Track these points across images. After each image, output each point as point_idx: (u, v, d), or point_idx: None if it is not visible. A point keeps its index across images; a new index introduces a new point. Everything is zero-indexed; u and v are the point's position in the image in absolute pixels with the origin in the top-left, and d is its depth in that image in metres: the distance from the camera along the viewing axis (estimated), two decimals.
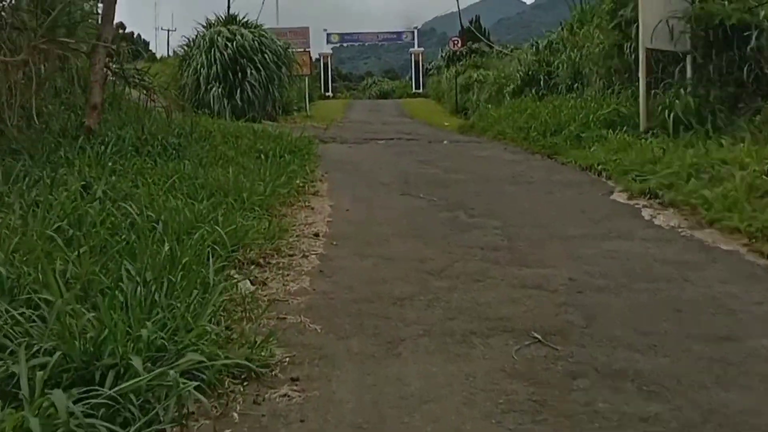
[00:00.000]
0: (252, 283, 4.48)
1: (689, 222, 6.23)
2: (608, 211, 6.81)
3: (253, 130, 11.05)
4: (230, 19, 22.06)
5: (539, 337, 3.55)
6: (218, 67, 19.09)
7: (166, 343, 2.84)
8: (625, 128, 11.21)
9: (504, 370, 3.18)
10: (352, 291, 4.38)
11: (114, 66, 8.97)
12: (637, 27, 11.54)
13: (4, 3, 7.72)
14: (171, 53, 37.33)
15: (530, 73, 20.04)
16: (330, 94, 46.76)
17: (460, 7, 54.32)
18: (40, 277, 3.25)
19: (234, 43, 19.24)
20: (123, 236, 4.18)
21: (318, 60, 48.81)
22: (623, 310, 4.01)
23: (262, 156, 8.76)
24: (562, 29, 19.93)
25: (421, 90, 46.01)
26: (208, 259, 4.11)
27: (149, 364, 2.67)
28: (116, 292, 3.17)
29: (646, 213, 6.68)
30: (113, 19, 8.57)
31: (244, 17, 22.62)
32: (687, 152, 8.35)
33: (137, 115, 9.18)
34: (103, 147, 7.28)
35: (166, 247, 3.76)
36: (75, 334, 2.70)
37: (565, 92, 17.49)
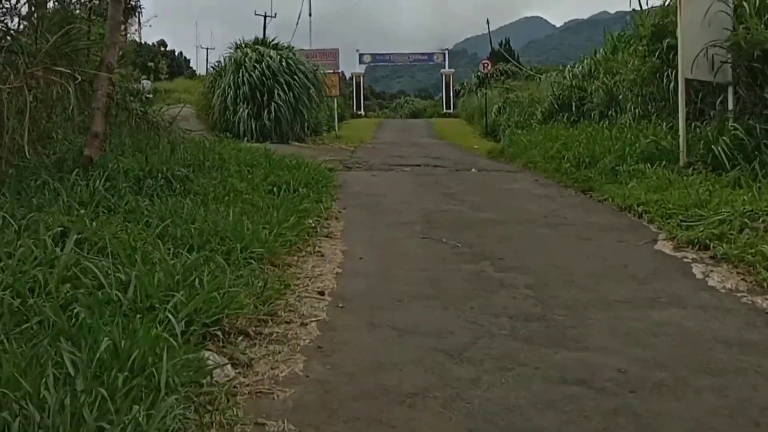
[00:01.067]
0: (235, 365, 3.65)
1: (748, 283, 5.23)
2: (654, 266, 5.83)
3: (271, 158, 10.29)
4: (260, 41, 21.48)
5: None
6: (245, 88, 18.49)
7: None
8: (663, 162, 10.22)
9: None
10: (353, 381, 3.50)
11: (117, 95, 8.25)
12: (676, 55, 10.59)
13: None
14: (209, 71, 37.01)
15: (562, 97, 19.07)
16: (362, 112, 46.25)
17: (491, 29, 53.47)
18: None
19: (262, 65, 18.63)
20: (74, 309, 3.37)
21: (351, 79, 48.40)
22: (688, 424, 3.08)
23: (275, 189, 7.95)
24: (596, 54, 18.95)
25: (451, 110, 45.20)
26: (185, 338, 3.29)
27: None
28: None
29: (697, 270, 5.69)
30: (117, 43, 7.86)
31: (273, 39, 22.08)
32: (737, 195, 7.35)
33: (147, 144, 8.46)
34: (99, 181, 6.54)
35: (105, 343, 2.90)
36: None
37: (599, 119, 16.52)
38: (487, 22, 33.94)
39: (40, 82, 7.04)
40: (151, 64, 41.94)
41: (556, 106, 18.92)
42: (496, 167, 13.91)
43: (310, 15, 33.78)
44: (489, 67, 30.09)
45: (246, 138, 18.51)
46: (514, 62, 38.40)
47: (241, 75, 18.86)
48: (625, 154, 10.74)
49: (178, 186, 7.24)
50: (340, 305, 4.67)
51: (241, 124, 18.46)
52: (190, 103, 23.36)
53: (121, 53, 21.11)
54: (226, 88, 19.16)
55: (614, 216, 8.02)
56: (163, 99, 34.88)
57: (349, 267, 5.68)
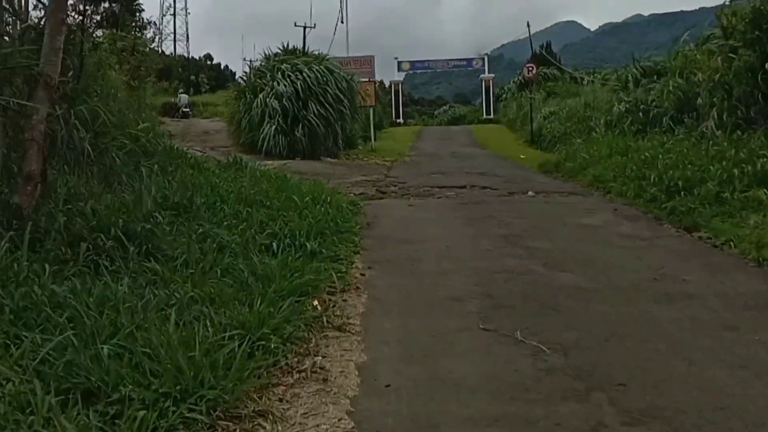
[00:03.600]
0: None
1: None
2: None
3: (286, 188, 7.83)
4: (290, 50, 19.14)
5: None
6: (274, 102, 16.18)
7: None
8: None
9: None
10: None
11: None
12: None
13: None
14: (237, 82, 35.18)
15: (624, 102, 16.24)
16: (401, 120, 43.83)
17: (525, 37, 50.70)
18: None
19: (292, 76, 16.30)
20: None
21: (389, 87, 45.96)
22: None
23: (275, 245, 5.48)
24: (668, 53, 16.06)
25: (492, 116, 42.36)
26: None
27: None
28: None
29: None
30: (60, 53, 5.51)
31: (305, 48, 19.75)
32: None
33: (111, 182, 6.13)
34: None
35: None
36: None
37: (671, 127, 13.72)
38: (528, 25, 31.25)
39: None
40: (193, 77, 40.30)
41: (617, 112, 16.10)
42: (556, 187, 11.24)
43: (342, 22, 31.32)
44: (534, 71, 27.14)
45: (275, 154, 16.23)
46: (558, 65, 35.38)
47: (270, 87, 16.55)
48: (732, 177, 8.04)
49: (137, 249, 4.84)
50: None
51: (269, 140, 16.12)
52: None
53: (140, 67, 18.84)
54: (253, 101, 16.88)
55: (755, 277, 5.35)
56: (200, 112, 33.08)
57: (365, 410, 3.20)
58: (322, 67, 16.84)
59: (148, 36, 21.46)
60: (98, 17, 8.92)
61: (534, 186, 11.48)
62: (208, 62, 58.40)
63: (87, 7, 8.11)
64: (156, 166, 8.62)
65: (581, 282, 5.22)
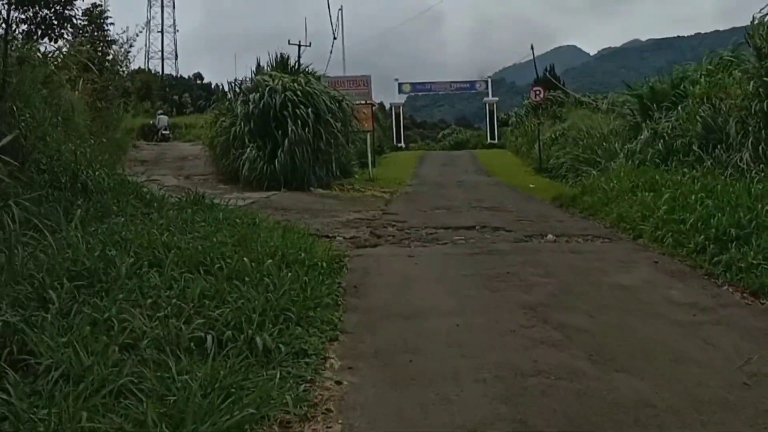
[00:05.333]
0: None
1: None
2: None
3: (245, 245, 6.27)
4: (282, 66, 17.73)
5: None
6: (252, 124, 14.72)
7: None
8: None
9: None
10: None
11: None
12: None
13: None
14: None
15: (647, 129, 14.78)
16: (402, 144, 42.45)
17: (526, 60, 49.68)
18: None
19: (274, 95, 14.85)
20: None
21: (389, 110, 44.70)
22: None
23: (210, 339, 3.95)
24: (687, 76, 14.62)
25: (496, 141, 41.04)
26: None
27: None
28: None
29: None
30: None
31: (299, 67, 18.40)
32: None
33: None
34: None
35: None
36: None
37: (700, 157, 12.27)
38: (532, 48, 29.97)
39: None
40: (175, 97, 38.94)
41: (641, 140, 14.63)
42: (578, 229, 9.74)
43: (335, 38, 30.04)
44: (541, 95, 25.74)
45: (257, 185, 14.75)
46: (564, 89, 34.08)
47: (248, 107, 15.09)
48: None
49: None
50: None
51: (247, 167, 14.65)
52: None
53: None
54: (230, 123, 15.44)
55: None
56: (182, 134, 31.59)
57: None
58: (307, 87, 15.35)
59: (118, 52, 19.89)
60: (26, 26, 7.45)
61: (552, 226, 9.99)
62: (198, 81, 57.13)
63: (13, 14, 6.71)
64: (93, 209, 7.20)
65: (646, 392, 3.71)
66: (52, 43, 11.16)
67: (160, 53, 63.09)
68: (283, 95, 15.10)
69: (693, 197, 8.55)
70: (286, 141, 14.78)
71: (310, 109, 15.04)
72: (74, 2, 11.41)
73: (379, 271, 6.81)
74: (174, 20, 67.86)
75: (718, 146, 11.82)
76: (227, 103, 17.33)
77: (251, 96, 15.51)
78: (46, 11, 7.96)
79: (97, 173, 8.42)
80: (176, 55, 65.96)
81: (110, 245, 5.42)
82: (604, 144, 17.31)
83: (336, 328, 4.75)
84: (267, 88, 15.31)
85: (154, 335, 3.79)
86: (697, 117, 12.52)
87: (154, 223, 6.80)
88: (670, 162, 12.89)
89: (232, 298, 4.55)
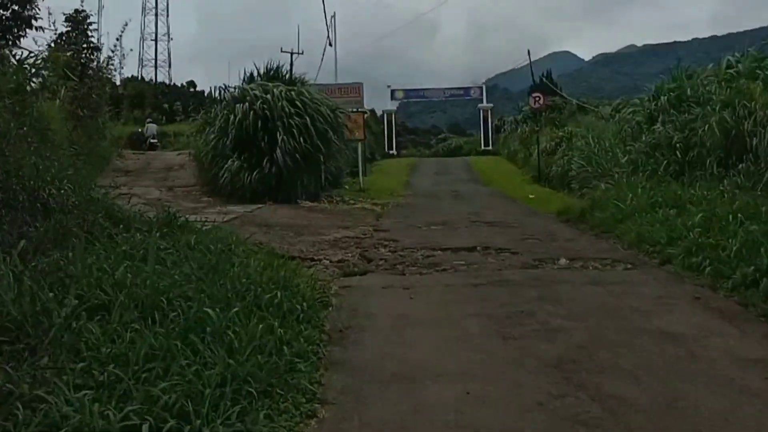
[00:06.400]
0: None
1: None
2: None
3: (212, 281, 5.12)
4: (273, 74, 16.60)
5: None
6: (238, 134, 13.62)
7: None
8: None
9: None
10: None
11: None
12: None
13: None
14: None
15: (652, 138, 13.71)
16: (395, 152, 41.39)
17: (520, 66, 48.83)
18: None
19: (259, 103, 13.73)
20: None
21: (382, 117, 43.68)
22: None
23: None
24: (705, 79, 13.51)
25: (490, 147, 40.00)
26: None
27: None
28: None
29: None
30: None
31: (292, 74, 17.28)
32: None
33: None
34: None
35: None
36: None
37: (716, 170, 11.21)
38: (528, 53, 29.06)
39: None
40: (166, 105, 37.82)
41: (647, 152, 13.55)
42: (593, 251, 8.62)
43: (330, 45, 28.98)
44: (541, 101, 24.61)
45: (242, 196, 13.64)
46: (561, 94, 33.08)
47: (235, 117, 13.96)
48: None
49: None
50: None
51: (233, 179, 13.53)
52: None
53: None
54: (216, 132, 14.31)
55: None
56: (171, 143, 30.36)
57: None
58: (300, 97, 14.23)
59: (102, 58, 18.78)
60: None
61: (563, 247, 8.88)
62: (192, 89, 55.91)
63: None
64: (52, 231, 6.06)
65: None
66: (10, 45, 10.04)
67: (153, 61, 62.33)
68: (274, 104, 13.98)
69: (729, 218, 7.46)
70: (276, 152, 13.64)
71: (300, 120, 13.89)
72: (33, 2, 10.25)
73: (369, 309, 5.65)
74: (168, 28, 67.17)
75: (743, 158, 10.79)
76: (213, 111, 16.20)
77: (238, 106, 14.39)
78: (1, 11, 6.93)
79: (62, 190, 7.26)
80: (169, 63, 65.33)
81: (48, 286, 4.26)
82: (610, 153, 16.22)
83: (315, 398, 3.61)
84: (258, 99, 14.18)
85: (74, 426, 2.66)
86: (716, 125, 11.46)
87: (113, 250, 5.66)
88: (687, 174, 11.84)
89: (185, 362, 3.40)
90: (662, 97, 14.79)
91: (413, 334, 5.03)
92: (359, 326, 5.13)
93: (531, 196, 17.91)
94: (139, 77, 49.84)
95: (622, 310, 5.55)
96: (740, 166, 10.49)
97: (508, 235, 10.20)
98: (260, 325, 4.09)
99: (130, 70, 62.55)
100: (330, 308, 5.62)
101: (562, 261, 7.87)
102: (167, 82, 56.62)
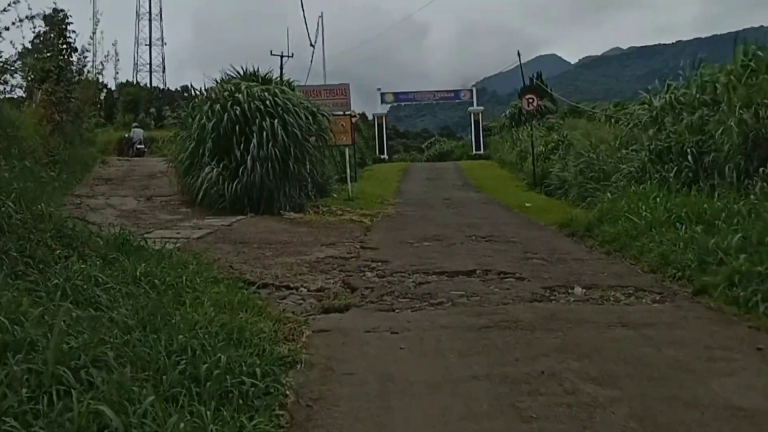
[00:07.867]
0: None
1: None
2: None
3: (150, 332, 3.86)
4: (252, 76, 15.33)
5: None
6: (214, 139, 12.36)
7: None
8: None
9: None
10: None
11: None
12: None
13: None
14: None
15: (660, 142, 12.52)
16: (385, 156, 40.20)
17: (508, 69, 47.88)
18: None
19: (236, 105, 12.48)
20: None
21: (372, 120, 42.50)
22: None
23: None
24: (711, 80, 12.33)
25: (481, 151, 38.83)
26: None
27: None
28: None
29: None
30: None
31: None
32: None
33: None
34: None
35: None
36: None
37: (735, 178, 10.06)
38: (519, 55, 28.00)
39: None
40: (153, 110, 36.54)
41: (653, 156, 12.36)
42: (611, 275, 7.40)
43: (313, 46, 27.78)
44: (534, 103, 23.43)
45: (221, 207, 12.39)
46: (552, 94, 31.95)
47: (209, 120, 12.69)
48: None
49: None
50: None
51: (208, 188, 12.26)
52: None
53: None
54: (193, 137, 13.05)
55: None
56: (159, 148, 29.00)
57: None
58: (275, 98, 12.92)
59: (81, 61, 17.52)
60: None
61: (574, 271, 7.66)
62: (185, 94, 54.69)
63: None
64: None
65: None
66: None
67: (147, 66, 61.39)
68: (246, 105, 12.73)
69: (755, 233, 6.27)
70: (249, 158, 12.39)
71: (276, 121, 12.63)
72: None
73: (347, 367, 4.37)
74: (162, 33, 66.30)
75: (756, 162, 9.65)
76: (186, 113, 14.92)
77: (214, 107, 13.13)
78: None
79: (3, 207, 5.95)
80: (164, 68, 64.54)
81: None
82: (611, 160, 15.04)
83: None
84: (229, 101, 12.95)
85: None
86: (735, 127, 10.29)
87: (43, 284, 4.43)
88: (702, 182, 10.67)
89: None
90: (668, 95, 13.65)
91: (403, 408, 3.76)
92: (333, 397, 3.87)
93: (527, 205, 16.75)
94: (134, 82, 48.55)
95: (668, 369, 4.30)
96: (761, 171, 9.31)
97: (509, 254, 9.00)
98: (181, 425, 2.82)
99: (124, 74, 61.23)
100: (299, 365, 4.36)
101: (578, 290, 6.64)
102: (161, 86, 55.64)
